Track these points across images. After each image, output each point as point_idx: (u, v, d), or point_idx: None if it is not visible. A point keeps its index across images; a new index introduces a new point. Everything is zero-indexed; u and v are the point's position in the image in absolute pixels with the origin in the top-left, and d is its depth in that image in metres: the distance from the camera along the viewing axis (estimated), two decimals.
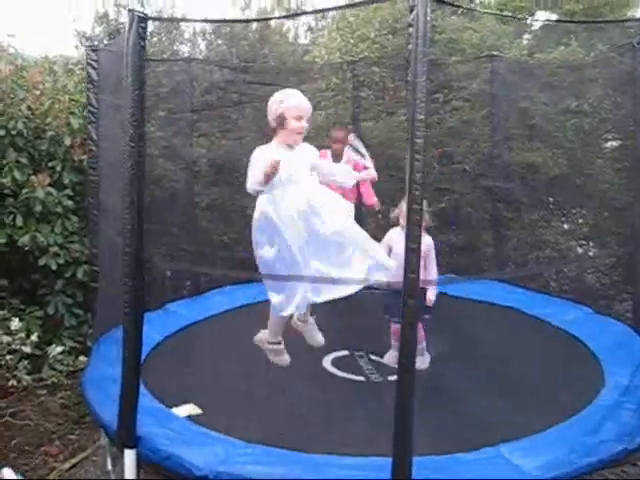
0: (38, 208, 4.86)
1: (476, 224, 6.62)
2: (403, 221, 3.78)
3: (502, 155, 6.26)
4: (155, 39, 7.97)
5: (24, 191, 4.85)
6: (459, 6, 5.68)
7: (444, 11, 6.91)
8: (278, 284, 3.23)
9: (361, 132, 6.62)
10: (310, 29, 9.21)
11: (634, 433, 3.13)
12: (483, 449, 3.05)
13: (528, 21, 7.56)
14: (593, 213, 6.31)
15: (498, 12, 7.33)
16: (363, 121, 6.81)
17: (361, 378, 4.21)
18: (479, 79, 6.40)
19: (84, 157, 5.01)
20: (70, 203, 5.06)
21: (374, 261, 3.25)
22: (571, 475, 2.87)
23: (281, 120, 3.21)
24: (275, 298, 3.25)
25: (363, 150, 3.65)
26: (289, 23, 9.04)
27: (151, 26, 7.69)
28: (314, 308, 3.46)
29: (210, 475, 2.84)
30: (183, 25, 7.74)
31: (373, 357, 4.48)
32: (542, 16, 7.89)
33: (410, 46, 2.43)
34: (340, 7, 5.40)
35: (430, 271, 4.28)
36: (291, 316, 3.44)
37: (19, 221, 4.88)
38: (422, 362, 4.43)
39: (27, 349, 4.28)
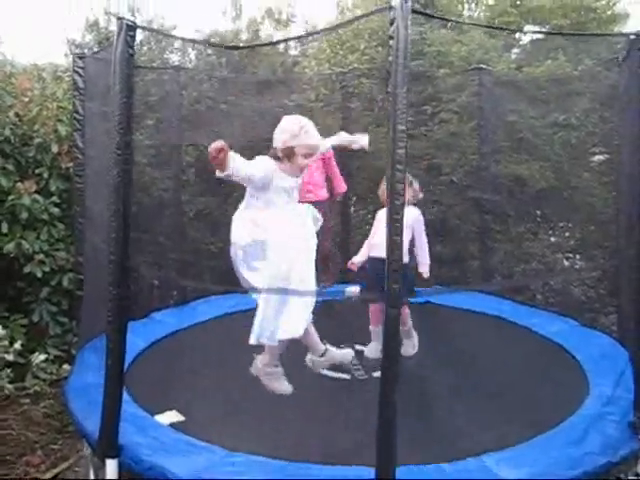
0: (24, 215, 4.83)
1: (464, 236, 6.64)
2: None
3: (490, 167, 6.29)
4: (145, 48, 7.98)
5: (10, 198, 4.82)
6: (441, 18, 5.74)
7: (433, 24, 6.96)
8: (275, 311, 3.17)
9: None
10: (300, 40, 9.23)
11: (617, 445, 3.14)
12: (467, 459, 3.04)
13: (517, 35, 7.62)
14: (580, 226, 6.35)
15: (485, 25, 7.40)
16: (352, 132, 6.82)
17: (346, 376, 4.19)
18: (467, 92, 6.45)
19: (71, 164, 4.98)
20: (56, 210, 5.03)
21: None
22: None
23: (289, 153, 3.17)
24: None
25: None
26: (279, 34, 9.08)
27: (141, 35, 7.69)
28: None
29: None
30: (173, 34, 7.73)
31: (358, 347, 4.46)
32: (530, 30, 7.97)
33: (390, 58, 2.46)
34: (330, 28, 5.41)
35: (421, 246, 4.34)
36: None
37: (4, 228, 4.84)
38: (412, 346, 4.45)
39: (10, 357, 4.23)
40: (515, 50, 8.12)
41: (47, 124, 5.15)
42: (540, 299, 6.25)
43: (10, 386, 4.33)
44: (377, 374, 2.85)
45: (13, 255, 4.84)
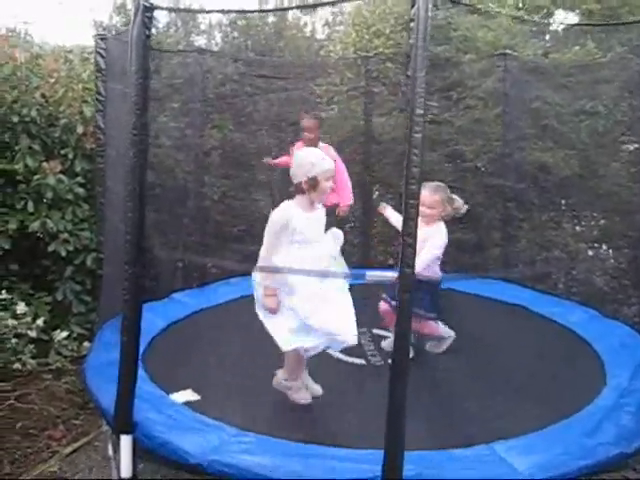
0: (49, 195, 4.91)
1: (486, 223, 6.58)
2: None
3: (514, 154, 6.22)
4: (172, 30, 8.01)
5: (36, 177, 4.90)
6: (466, 4, 5.64)
7: (460, 8, 6.86)
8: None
9: (372, 127, 6.67)
10: (327, 24, 9.19)
11: (632, 437, 3.10)
12: (477, 446, 3.04)
13: (543, 22, 7.45)
14: (604, 216, 6.25)
15: (514, 12, 7.26)
16: (375, 116, 6.81)
17: (362, 361, 4.22)
18: (492, 77, 6.35)
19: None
20: (81, 191, 5.11)
21: None
22: (566, 477, 2.84)
23: (314, 183, 3.28)
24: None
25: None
26: (306, 18, 9.02)
27: (167, 17, 7.75)
28: None
29: (203, 463, 2.86)
30: (200, 17, 7.75)
31: (375, 331, 4.51)
32: (560, 15, 7.80)
33: (411, 41, 2.43)
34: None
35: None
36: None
37: (30, 207, 4.93)
38: (437, 347, 4.43)
39: (32, 333, 4.33)
40: (546, 36, 7.97)
41: (73, 105, 5.21)
42: (562, 288, 6.17)
43: (33, 361, 4.45)
44: None
45: (38, 234, 4.92)
